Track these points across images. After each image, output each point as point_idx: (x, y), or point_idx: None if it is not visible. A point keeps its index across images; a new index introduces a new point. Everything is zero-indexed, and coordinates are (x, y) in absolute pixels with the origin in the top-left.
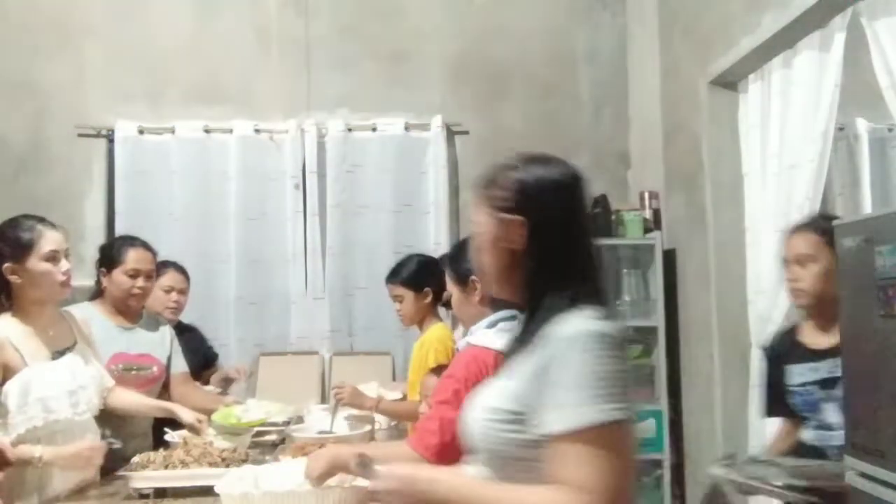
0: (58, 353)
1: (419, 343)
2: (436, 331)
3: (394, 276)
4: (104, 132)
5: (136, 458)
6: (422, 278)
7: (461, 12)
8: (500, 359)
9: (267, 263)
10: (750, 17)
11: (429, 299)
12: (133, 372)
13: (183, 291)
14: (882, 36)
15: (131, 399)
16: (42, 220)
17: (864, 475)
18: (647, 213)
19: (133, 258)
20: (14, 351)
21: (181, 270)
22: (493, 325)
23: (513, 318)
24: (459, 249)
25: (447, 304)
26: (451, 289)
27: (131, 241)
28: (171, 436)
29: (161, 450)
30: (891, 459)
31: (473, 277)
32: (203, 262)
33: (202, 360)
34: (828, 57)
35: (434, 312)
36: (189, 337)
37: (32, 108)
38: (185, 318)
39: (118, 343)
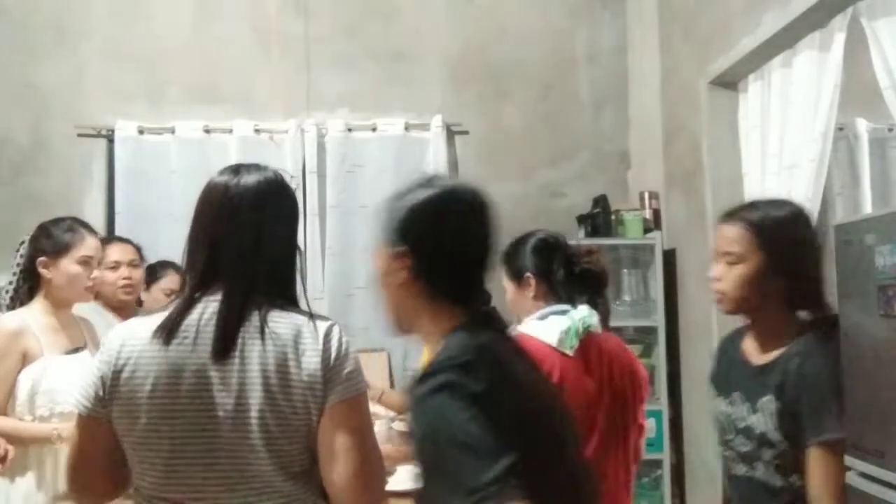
0: (72, 351)
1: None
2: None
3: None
4: (104, 132)
5: None
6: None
7: (461, 12)
8: (549, 350)
9: None
10: (750, 17)
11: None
12: None
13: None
14: (882, 36)
15: None
16: (85, 224)
17: (863, 475)
18: (647, 213)
19: (111, 252)
20: (35, 340)
21: (181, 272)
22: (543, 317)
23: (564, 312)
24: (513, 246)
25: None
26: (507, 285)
27: (108, 238)
28: None
29: None
30: (891, 459)
31: (528, 274)
32: None
33: None
34: (828, 57)
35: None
36: None
37: (32, 108)
38: None
39: None
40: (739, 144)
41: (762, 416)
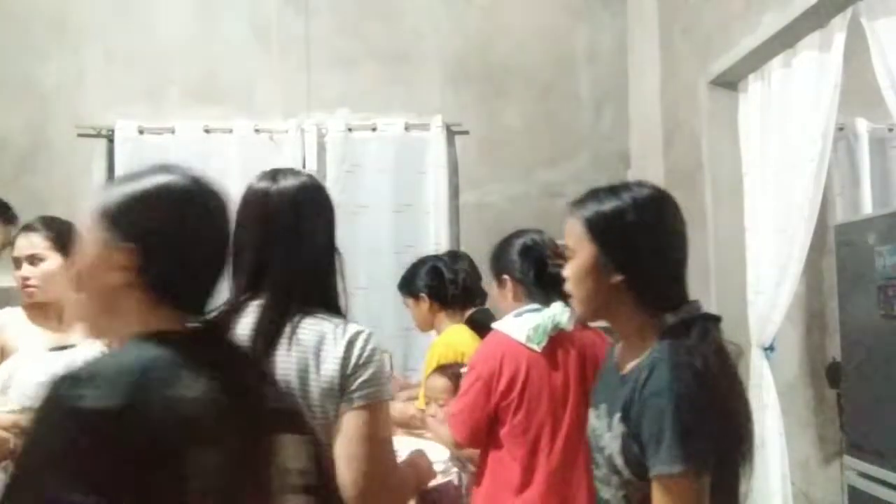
0: (58, 349)
1: (430, 346)
2: (446, 334)
3: (398, 287)
4: (104, 132)
5: None
6: (414, 284)
7: (461, 12)
8: (516, 345)
9: None
10: (750, 16)
11: (427, 305)
12: None
13: None
14: (882, 36)
15: None
16: (26, 226)
17: (863, 475)
18: None
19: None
20: (14, 336)
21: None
22: (519, 314)
23: (538, 310)
24: (497, 249)
25: (465, 306)
26: (492, 286)
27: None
28: None
29: None
30: (890, 459)
31: (504, 276)
32: None
33: None
34: (828, 57)
35: (448, 314)
36: None
37: (32, 108)
38: None
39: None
40: (739, 144)
41: (612, 437)
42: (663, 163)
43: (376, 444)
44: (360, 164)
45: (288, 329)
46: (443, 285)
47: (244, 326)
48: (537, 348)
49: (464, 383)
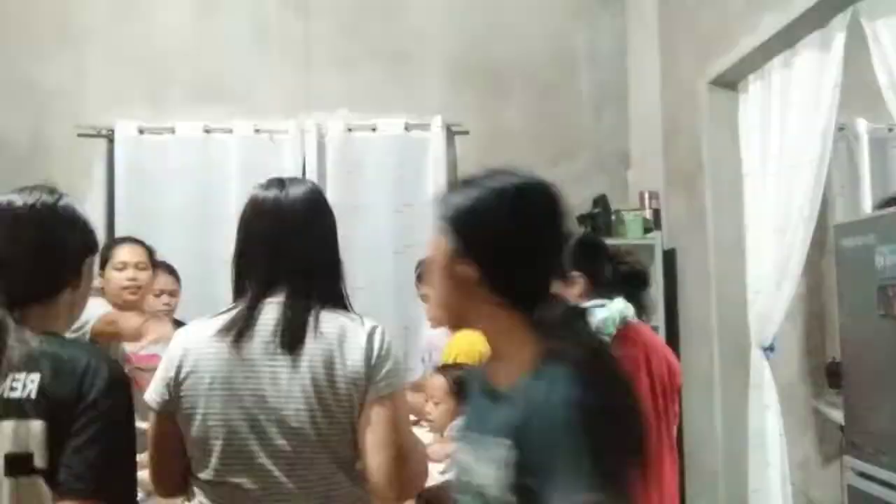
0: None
1: (448, 343)
2: (471, 332)
3: (421, 276)
4: (104, 132)
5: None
6: None
7: (461, 12)
8: None
9: None
10: (750, 17)
11: None
12: (143, 373)
13: (174, 293)
14: (882, 36)
15: None
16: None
17: (863, 475)
18: (647, 213)
19: (120, 253)
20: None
21: (171, 271)
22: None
23: (602, 305)
24: None
25: None
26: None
27: (121, 239)
28: None
29: None
30: (890, 459)
31: (573, 273)
32: (203, 262)
33: None
34: (828, 57)
35: None
36: None
37: (32, 108)
38: (185, 317)
39: (126, 345)
40: (739, 144)
41: (491, 469)
42: (663, 163)
43: (402, 429)
44: (360, 164)
45: (311, 322)
46: None
47: (266, 322)
48: (605, 339)
49: None
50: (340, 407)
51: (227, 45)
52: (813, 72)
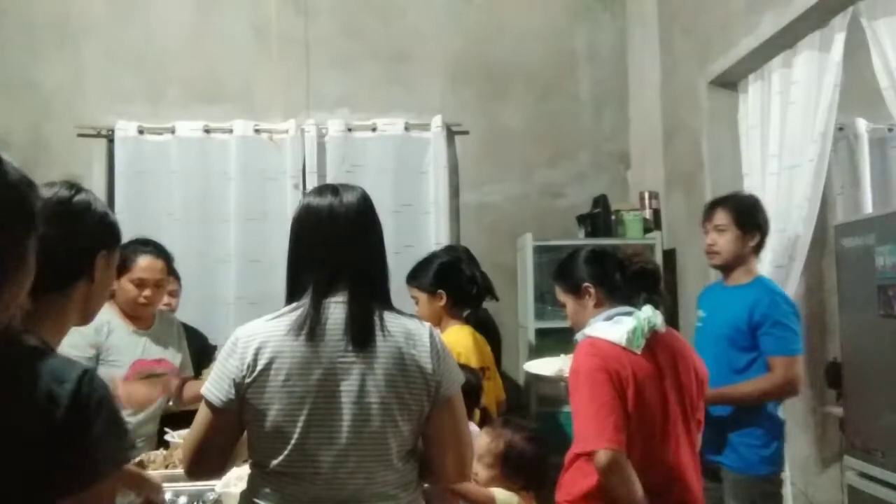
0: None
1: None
2: (451, 333)
3: (409, 278)
4: (104, 132)
5: (136, 458)
6: (434, 281)
7: (461, 12)
8: (620, 350)
9: (267, 263)
10: (750, 17)
11: (443, 302)
12: (152, 378)
13: (174, 293)
14: (882, 36)
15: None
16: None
17: (863, 475)
18: (647, 213)
19: (140, 266)
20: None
21: (171, 271)
22: (610, 318)
23: (629, 313)
24: (566, 261)
25: (476, 307)
26: (564, 299)
27: (143, 246)
28: (171, 436)
29: (161, 450)
30: (890, 459)
31: (586, 283)
32: (203, 262)
33: (202, 360)
34: (828, 57)
35: (453, 314)
36: (189, 337)
37: (32, 108)
38: (185, 318)
39: (137, 349)
40: (739, 144)
41: None
42: (663, 163)
43: (465, 423)
44: (360, 164)
45: (377, 321)
46: (463, 283)
47: (335, 320)
48: (638, 351)
49: (585, 394)
50: (414, 401)
51: (227, 45)
52: (813, 72)
